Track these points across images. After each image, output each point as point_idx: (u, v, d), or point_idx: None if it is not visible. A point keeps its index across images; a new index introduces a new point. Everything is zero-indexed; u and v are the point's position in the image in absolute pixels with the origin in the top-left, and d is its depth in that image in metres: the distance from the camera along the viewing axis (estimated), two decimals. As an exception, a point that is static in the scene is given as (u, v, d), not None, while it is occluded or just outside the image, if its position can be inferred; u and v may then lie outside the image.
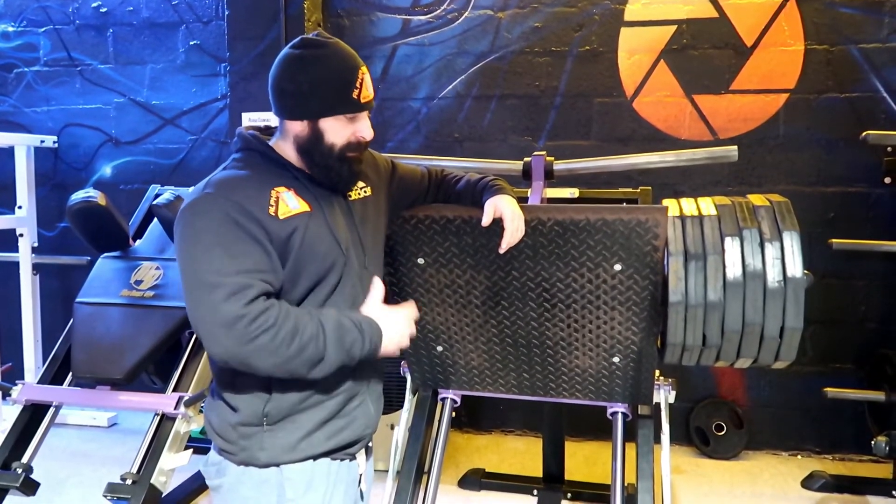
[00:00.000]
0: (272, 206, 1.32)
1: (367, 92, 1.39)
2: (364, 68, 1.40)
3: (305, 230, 1.35)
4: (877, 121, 3.34)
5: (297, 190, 1.38)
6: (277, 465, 1.39)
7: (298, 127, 1.39)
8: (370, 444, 1.59)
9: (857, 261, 3.39)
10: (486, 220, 1.65)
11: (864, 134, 2.94)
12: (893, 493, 3.07)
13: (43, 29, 4.21)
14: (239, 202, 1.29)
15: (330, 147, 1.38)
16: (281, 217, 1.33)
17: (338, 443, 1.44)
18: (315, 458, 1.42)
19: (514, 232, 1.65)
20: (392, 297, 2.09)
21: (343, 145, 1.39)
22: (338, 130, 1.38)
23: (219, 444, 1.43)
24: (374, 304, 1.43)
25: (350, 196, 1.49)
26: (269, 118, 3.56)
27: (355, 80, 1.36)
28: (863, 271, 3.43)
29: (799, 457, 3.57)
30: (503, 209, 1.65)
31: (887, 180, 3.24)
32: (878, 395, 3.10)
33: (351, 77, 1.36)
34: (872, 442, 2.83)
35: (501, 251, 1.67)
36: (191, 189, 3.29)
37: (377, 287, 1.44)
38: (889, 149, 3.19)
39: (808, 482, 3.18)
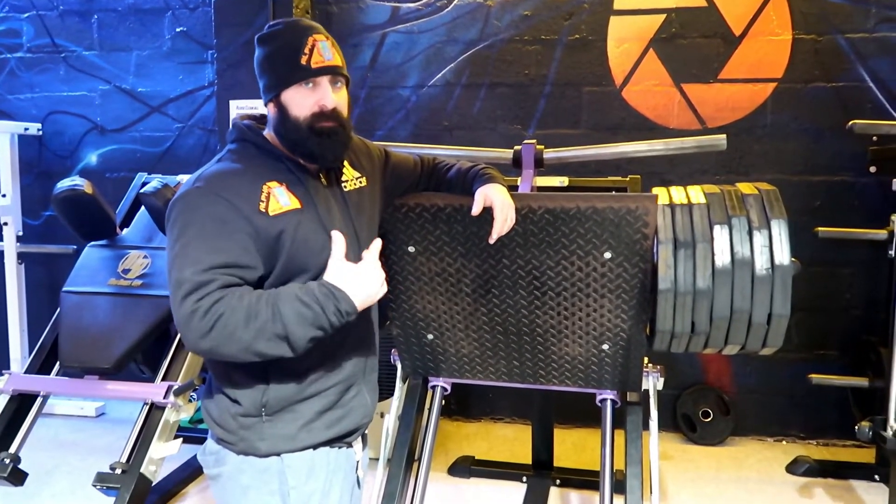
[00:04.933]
0: (263, 202, 1.31)
1: (321, 57, 1.34)
2: (319, 35, 1.35)
3: (297, 227, 1.34)
4: (863, 110, 3.37)
5: (290, 184, 1.37)
6: (278, 454, 1.39)
7: (271, 108, 1.39)
8: (366, 432, 1.59)
9: (843, 249, 3.42)
10: (476, 210, 1.65)
11: (850, 123, 2.96)
12: (876, 477, 3.12)
13: (26, 14, 4.15)
14: (228, 198, 1.28)
15: (295, 121, 1.35)
16: (271, 214, 1.32)
17: (337, 432, 1.45)
18: (315, 447, 1.42)
19: (504, 221, 1.65)
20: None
21: (308, 117, 1.35)
22: (298, 102, 1.35)
23: (218, 434, 1.42)
24: (335, 265, 1.30)
25: (345, 187, 1.48)
26: (257, 106, 3.53)
27: (303, 47, 1.33)
28: (848, 259, 3.46)
29: (784, 442, 3.62)
30: (493, 198, 1.65)
31: (873, 169, 3.27)
32: (862, 381, 3.14)
33: (297, 44, 1.34)
34: (856, 427, 2.87)
35: (492, 241, 1.67)
36: (179, 177, 3.27)
37: (337, 244, 1.32)
38: (875, 138, 3.22)
39: (793, 467, 3.23)
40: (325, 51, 1.35)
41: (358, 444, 1.55)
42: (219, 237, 1.27)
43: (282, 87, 1.35)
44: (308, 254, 1.36)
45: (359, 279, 1.30)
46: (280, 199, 1.34)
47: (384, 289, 1.35)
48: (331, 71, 1.36)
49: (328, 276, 1.30)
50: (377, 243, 1.39)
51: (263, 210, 1.31)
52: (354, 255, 1.45)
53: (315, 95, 1.35)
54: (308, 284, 1.29)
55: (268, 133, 1.43)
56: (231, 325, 1.22)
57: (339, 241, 1.33)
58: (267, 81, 1.38)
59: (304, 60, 1.33)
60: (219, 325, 1.22)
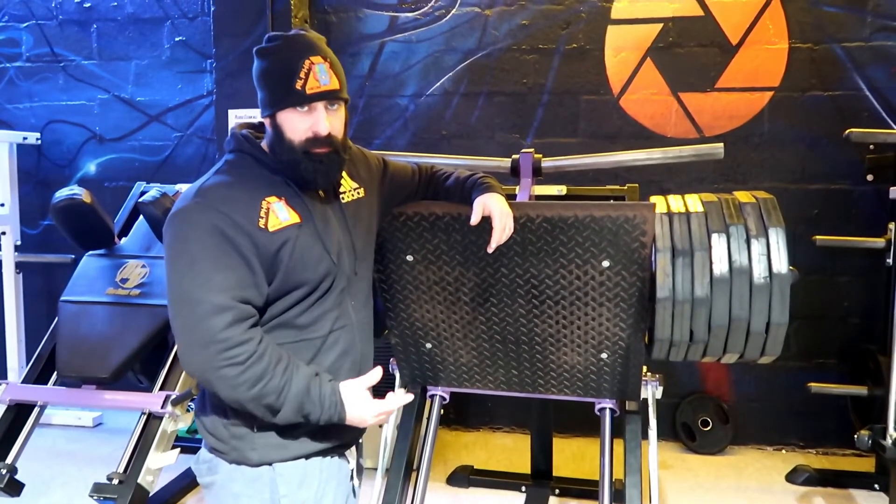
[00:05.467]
0: (262, 217, 1.31)
1: (316, 82, 1.31)
2: (315, 58, 1.32)
3: (296, 242, 1.34)
4: (860, 118, 3.38)
5: (289, 198, 1.37)
6: (269, 463, 1.39)
7: (268, 125, 1.39)
8: (360, 442, 1.59)
9: (841, 257, 3.43)
10: (474, 219, 1.65)
11: (847, 132, 2.97)
12: (876, 486, 3.11)
13: (25, 24, 4.16)
14: (228, 214, 1.28)
15: (290, 143, 1.34)
16: (271, 230, 1.31)
17: (329, 442, 1.44)
18: (307, 456, 1.42)
19: (502, 230, 1.64)
20: (381, 295, 2.09)
21: (301, 141, 1.34)
22: (293, 125, 1.34)
23: (210, 443, 1.43)
24: (358, 387, 1.38)
25: (343, 199, 1.48)
26: (256, 115, 3.54)
27: (298, 71, 1.30)
28: (846, 267, 3.47)
29: (783, 451, 3.61)
30: (492, 207, 1.65)
31: (870, 177, 3.28)
32: (861, 390, 3.13)
33: (293, 67, 1.31)
34: (855, 436, 2.86)
35: (490, 250, 1.67)
36: (177, 186, 3.26)
37: (373, 376, 1.41)
38: (871, 146, 3.23)
39: (793, 476, 3.22)
40: (321, 74, 1.32)
41: (352, 453, 1.54)
42: (224, 254, 1.27)
43: (276, 107, 1.34)
44: (304, 268, 1.36)
45: (365, 411, 1.37)
46: (279, 214, 1.34)
47: (371, 423, 1.41)
48: (326, 97, 1.33)
49: (345, 392, 1.36)
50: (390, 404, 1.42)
51: (263, 226, 1.31)
52: (351, 268, 1.45)
53: (310, 120, 1.34)
54: (322, 381, 1.34)
55: (265, 143, 1.42)
56: (241, 379, 1.26)
57: (376, 374, 1.41)
58: (263, 98, 1.38)
59: (298, 85, 1.30)
60: (230, 370, 1.25)
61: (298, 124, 1.34)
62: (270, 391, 1.28)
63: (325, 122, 1.34)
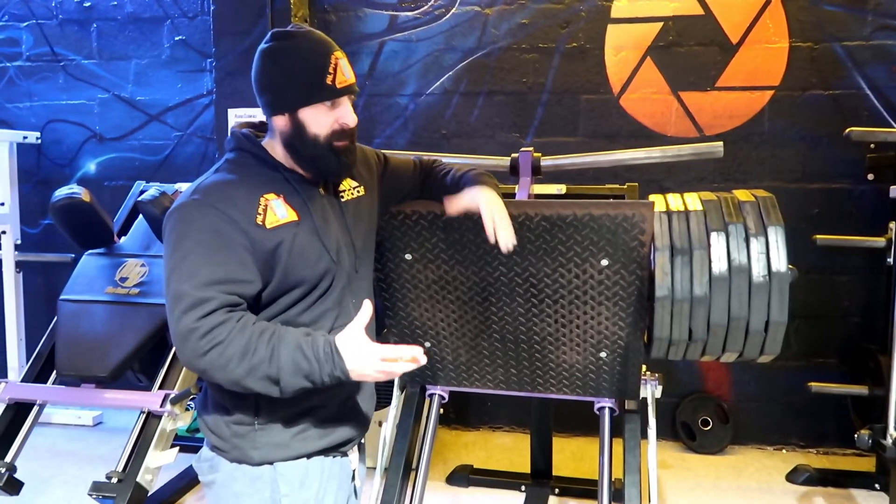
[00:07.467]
0: (260, 214, 1.31)
1: (343, 76, 1.35)
2: (338, 53, 1.35)
3: (294, 240, 1.34)
4: (860, 117, 3.38)
5: (287, 196, 1.37)
6: (271, 462, 1.39)
7: (281, 122, 1.37)
8: (362, 442, 1.59)
9: (841, 256, 3.42)
10: (449, 211, 1.68)
11: (847, 131, 2.96)
12: (876, 486, 3.11)
13: (25, 23, 4.16)
14: (225, 211, 1.28)
15: (314, 138, 1.35)
16: (268, 227, 1.31)
17: (331, 442, 1.44)
18: (308, 456, 1.42)
19: (491, 220, 1.57)
20: (380, 294, 2.09)
21: (327, 135, 1.36)
22: (318, 120, 1.35)
23: (212, 441, 1.42)
24: (352, 330, 1.28)
25: (343, 197, 1.48)
26: (256, 114, 3.53)
27: (328, 66, 1.33)
28: (846, 267, 3.46)
29: (784, 451, 3.60)
30: (479, 200, 1.60)
31: (870, 177, 3.27)
32: (861, 390, 3.13)
33: (323, 63, 1.33)
34: (856, 435, 2.86)
35: (492, 241, 1.59)
36: (177, 185, 3.27)
37: (364, 312, 1.30)
38: (872, 145, 3.22)
39: (793, 476, 3.22)
40: (346, 69, 1.36)
41: (354, 453, 1.54)
42: (216, 250, 1.27)
43: (302, 104, 1.34)
44: (304, 265, 1.35)
45: (364, 356, 1.26)
46: (277, 211, 1.33)
47: (378, 378, 1.29)
48: (352, 90, 1.38)
49: (340, 340, 1.27)
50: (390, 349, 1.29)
51: (260, 223, 1.31)
52: (351, 266, 1.45)
53: (335, 114, 1.36)
54: (314, 336, 1.27)
55: (266, 142, 1.42)
56: (227, 355, 1.23)
57: (367, 310, 1.31)
58: (281, 96, 1.35)
59: (329, 80, 1.33)
60: (214, 351, 1.23)
61: (325, 119, 1.36)
62: (260, 360, 1.23)
63: (353, 114, 1.39)
